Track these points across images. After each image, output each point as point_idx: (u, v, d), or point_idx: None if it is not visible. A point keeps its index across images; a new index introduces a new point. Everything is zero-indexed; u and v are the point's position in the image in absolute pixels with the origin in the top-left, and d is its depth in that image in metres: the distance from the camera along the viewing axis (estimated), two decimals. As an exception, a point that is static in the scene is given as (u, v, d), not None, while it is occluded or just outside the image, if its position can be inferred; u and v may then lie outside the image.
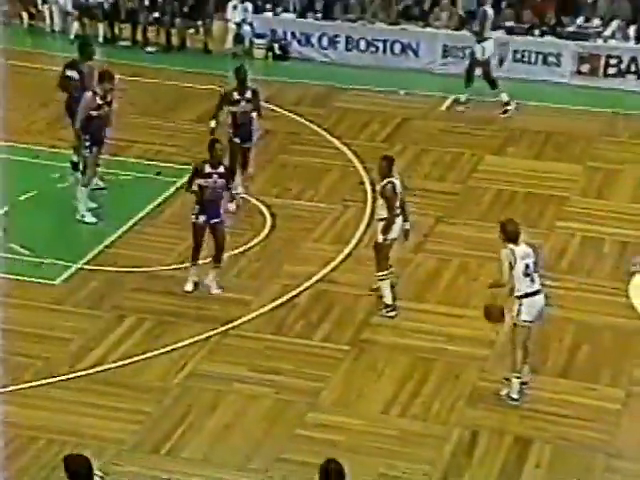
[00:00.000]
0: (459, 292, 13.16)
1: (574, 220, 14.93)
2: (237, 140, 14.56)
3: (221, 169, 12.65)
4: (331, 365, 11.74)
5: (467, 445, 10.55)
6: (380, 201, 12.46)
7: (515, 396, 11.12)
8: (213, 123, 14.59)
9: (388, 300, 12.58)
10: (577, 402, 11.21)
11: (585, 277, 13.56)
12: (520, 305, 10.84)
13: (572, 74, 19.95)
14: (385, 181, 12.36)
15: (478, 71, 18.49)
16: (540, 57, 20.07)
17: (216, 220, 12.71)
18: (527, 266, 10.78)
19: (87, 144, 14.40)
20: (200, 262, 12.96)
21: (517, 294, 10.84)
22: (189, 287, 12.99)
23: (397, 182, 12.34)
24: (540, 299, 10.98)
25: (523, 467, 10.27)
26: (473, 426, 10.83)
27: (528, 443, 10.58)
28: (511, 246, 10.81)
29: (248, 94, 14.55)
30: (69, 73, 15.49)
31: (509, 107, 18.38)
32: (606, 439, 10.68)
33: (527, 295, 10.83)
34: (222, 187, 12.68)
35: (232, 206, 14.36)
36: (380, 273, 12.54)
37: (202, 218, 12.64)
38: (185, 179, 13.29)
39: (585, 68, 19.88)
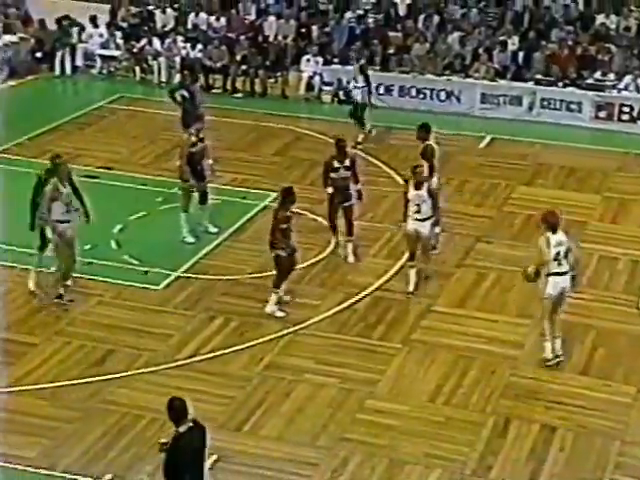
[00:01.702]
0: (495, 301, 12.97)
1: (593, 242, 14.65)
2: (336, 201, 13.88)
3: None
4: (386, 360, 11.63)
5: (501, 431, 10.39)
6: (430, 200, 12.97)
7: (548, 356, 11.29)
8: (330, 189, 13.78)
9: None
10: (595, 396, 11.00)
11: (603, 290, 13.31)
12: (547, 282, 10.98)
13: (591, 119, 19.67)
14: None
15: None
16: (564, 104, 19.81)
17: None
18: (558, 253, 10.92)
19: (188, 176, 14.33)
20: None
21: (545, 272, 10.96)
22: (281, 314, 12.42)
23: None
24: (564, 279, 11.05)
25: (549, 450, 10.09)
26: (506, 415, 10.66)
27: (553, 430, 10.40)
28: (548, 234, 10.95)
29: (347, 162, 13.80)
30: (178, 93, 15.65)
31: (360, 146, 18.03)
32: (619, 428, 10.47)
33: (553, 274, 10.94)
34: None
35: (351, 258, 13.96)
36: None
37: (287, 252, 12.42)
38: (266, 202, 13.13)
39: (602, 114, 19.62)
